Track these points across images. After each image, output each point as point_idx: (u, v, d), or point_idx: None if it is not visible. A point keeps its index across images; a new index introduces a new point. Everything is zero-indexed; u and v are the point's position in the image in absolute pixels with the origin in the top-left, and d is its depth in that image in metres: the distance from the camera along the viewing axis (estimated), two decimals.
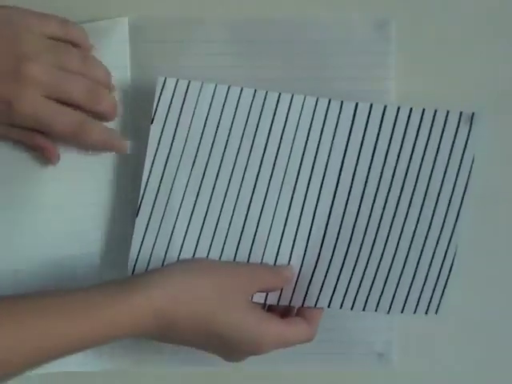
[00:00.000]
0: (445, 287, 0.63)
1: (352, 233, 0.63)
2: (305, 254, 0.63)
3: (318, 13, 0.67)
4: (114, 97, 0.65)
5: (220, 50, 0.67)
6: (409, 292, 0.63)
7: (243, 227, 0.63)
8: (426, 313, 0.63)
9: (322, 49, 0.66)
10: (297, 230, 0.63)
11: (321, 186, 0.63)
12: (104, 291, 0.57)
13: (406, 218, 0.63)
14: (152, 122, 0.63)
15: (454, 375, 0.68)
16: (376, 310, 0.63)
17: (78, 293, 0.56)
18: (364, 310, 0.63)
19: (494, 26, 0.68)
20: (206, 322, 0.58)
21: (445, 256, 0.62)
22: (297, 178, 0.63)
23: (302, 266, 0.63)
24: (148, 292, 0.57)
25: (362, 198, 0.63)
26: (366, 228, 0.63)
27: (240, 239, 0.64)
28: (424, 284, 0.63)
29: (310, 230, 0.63)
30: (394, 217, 0.63)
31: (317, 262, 0.63)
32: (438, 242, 0.62)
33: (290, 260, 0.64)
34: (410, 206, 0.63)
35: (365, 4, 0.67)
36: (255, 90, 0.63)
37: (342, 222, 0.63)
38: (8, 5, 0.62)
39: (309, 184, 0.63)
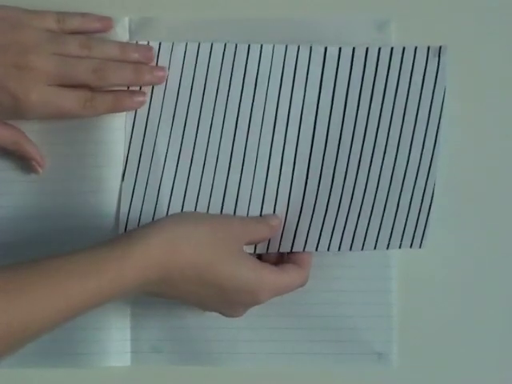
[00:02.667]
0: (427, 221, 0.63)
1: (333, 175, 0.64)
2: (289, 200, 0.64)
3: (318, 13, 0.67)
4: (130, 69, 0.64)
5: None
6: (393, 228, 0.63)
7: (227, 179, 0.65)
8: (411, 246, 0.63)
9: None
10: (279, 176, 0.65)
11: (298, 132, 0.64)
12: (104, 248, 0.57)
13: (384, 156, 0.63)
14: None
15: (454, 376, 0.68)
16: (362, 249, 0.63)
17: (78, 253, 0.57)
18: (351, 249, 0.63)
19: (495, 27, 0.68)
20: (203, 272, 0.58)
21: (425, 189, 0.63)
22: (274, 126, 0.65)
23: (287, 213, 0.64)
24: (147, 243, 0.57)
25: (339, 139, 0.64)
26: (347, 169, 0.64)
27: (225, 191, 0.65)
28: (407, 219, 0.63)
29: (292, 175, 0.64)
30: (372, 156, 0.63)
31: (301, 207, 0.64)
32: (417, 176, 0.63)
33: (275, 207, 0.64)
34: (387, 143, 0.63)
35: (365, 4, 0.67)
36: (225, 44, 0.65)
37: (322, 165, 0.64)
38: (5, 4, 0.63)
39: (286, 130, 0.65)
